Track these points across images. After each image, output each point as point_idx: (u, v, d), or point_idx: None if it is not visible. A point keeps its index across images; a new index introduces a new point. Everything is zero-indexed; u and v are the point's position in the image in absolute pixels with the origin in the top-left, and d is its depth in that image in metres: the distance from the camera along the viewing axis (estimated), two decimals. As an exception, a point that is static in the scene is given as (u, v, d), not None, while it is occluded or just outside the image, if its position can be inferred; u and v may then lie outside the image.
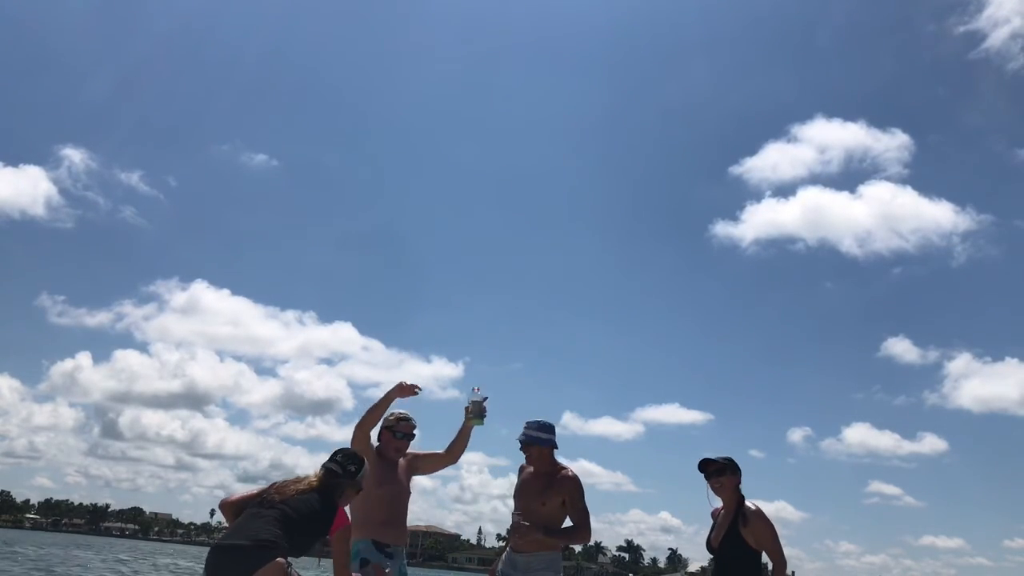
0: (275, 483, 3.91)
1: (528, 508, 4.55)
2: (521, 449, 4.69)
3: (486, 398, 4.85)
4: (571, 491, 4.57)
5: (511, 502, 4.78)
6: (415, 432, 4.79)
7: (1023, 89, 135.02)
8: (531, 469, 4.70)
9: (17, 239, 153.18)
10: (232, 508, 3.83)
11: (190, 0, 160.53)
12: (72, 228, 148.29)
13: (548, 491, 4.55)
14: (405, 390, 4.70)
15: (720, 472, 4.52)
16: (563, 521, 4.58)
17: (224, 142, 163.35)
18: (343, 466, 3.96)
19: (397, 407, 4.75)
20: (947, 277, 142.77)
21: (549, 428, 4.68)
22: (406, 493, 4.70)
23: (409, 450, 4.81)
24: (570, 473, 4.62)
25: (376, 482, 4.41)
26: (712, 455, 4.57)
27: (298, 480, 3.90)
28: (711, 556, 4.61)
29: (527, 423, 4.70)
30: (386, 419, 4.69)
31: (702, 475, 4.56)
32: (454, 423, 4.90)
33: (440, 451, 4.94)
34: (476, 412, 4.86)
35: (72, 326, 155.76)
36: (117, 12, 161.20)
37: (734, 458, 4.60)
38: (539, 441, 4.63)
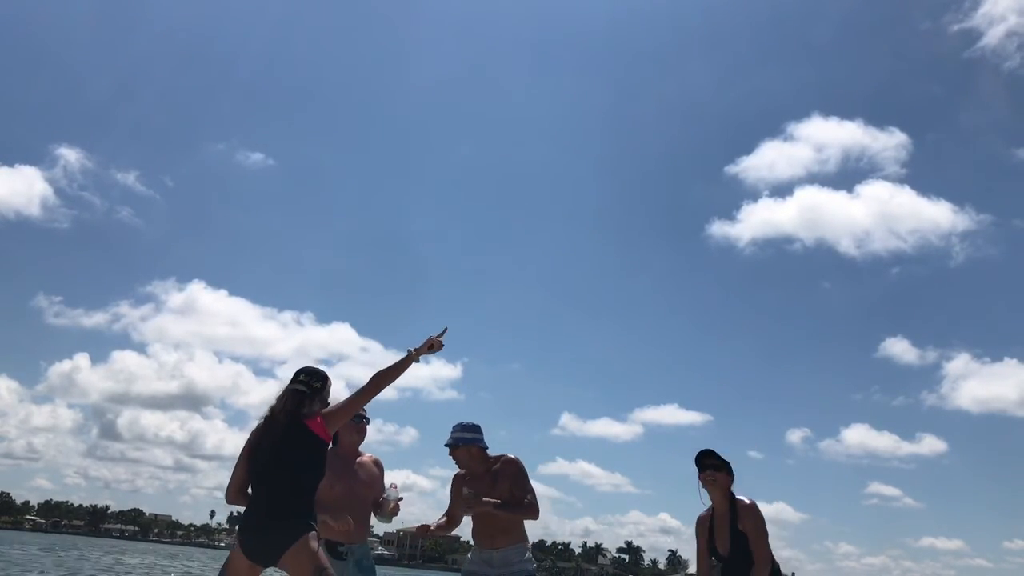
0: (251, 438, 3.91)
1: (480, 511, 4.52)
2: (450, 454, 4.65)
3: (400, 498, 4.58)
4: (514, 473, 4.54)
5: None
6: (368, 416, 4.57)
7: (1020, 88, 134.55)
8: (465, 474, 4.65)
9: (13, 239, 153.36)
10: (238, 492, 3.89)
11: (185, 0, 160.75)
12: (68, 228, 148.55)
13: (494, 485, 4.52)
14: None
15: (717, 468, 4.54)
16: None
17: (220, 141, 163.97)
18: (308, 384, 3.95)
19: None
20: (945, 277, 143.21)
21: (475, 428, 4.65)
22: (367, 487, 4.47)
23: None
24: (509, 456, 4.60)
25: (334, 478, 4.21)
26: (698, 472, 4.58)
27: (270, 422, 3.88)
28: (719, 563, 4.58)
29: (453, 427, 4.67)
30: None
31: (696, 467, 4.56)
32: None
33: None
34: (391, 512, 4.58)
35: (69, 327, 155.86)
36: (113, 11, 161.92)
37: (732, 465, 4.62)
38: (465, 441, 4.59)
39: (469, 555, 4.74)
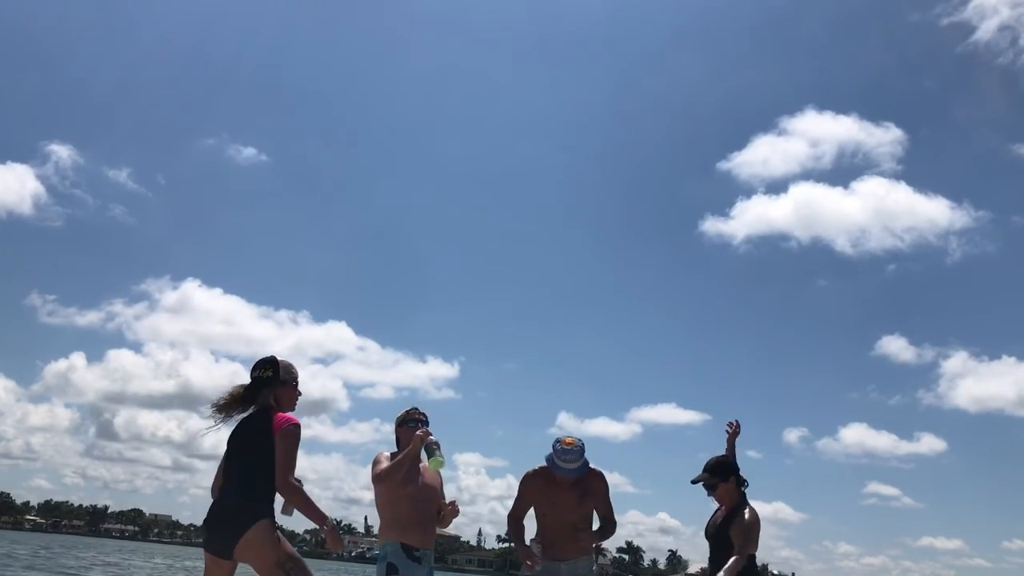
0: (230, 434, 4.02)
1: (566, 520, 4.47)
2: (564, 481, 4.46)
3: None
4: (603, 491, 4.55)
5: (509, 503, 4.64)
6: (427, 416, 4.52)
7: (1016, 84, 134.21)
8: (551, 480, 4.47)
9: (5, 238, 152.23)
10: (218, 489, 4.00)
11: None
12: (61, 227, 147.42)
13: (585, 499, 4.50)
14: (423, 438, 4.26)
15: (712, 487, 4.65)
16: (591, 519, 4.57)
17: (210, 136, 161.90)
18: (260, 376, 4.01)
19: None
20: (942, 274, 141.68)
21: (583, 448, 4.44)
22: (434, 491, 4.41)
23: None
24: (598, 470, 4.56)
25: (403, 481, 4.22)
26: (698, 472, 4.71)
27: (236, 408, 3.98)
28: (709, 544, 4.75)
29: (560, 452, 4.39)
30: (398, 418, 4.50)
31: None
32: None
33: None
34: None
35: (63, 326, 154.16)
36: (104, 6, 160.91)
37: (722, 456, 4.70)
38: (583, 471, 4.45)
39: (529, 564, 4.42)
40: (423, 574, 4.30)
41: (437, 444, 4.21)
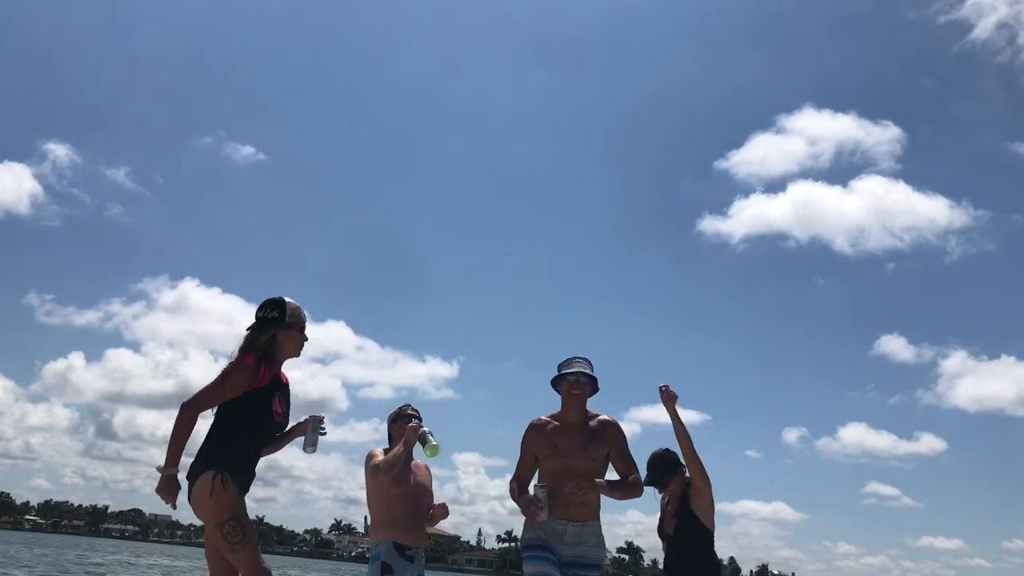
0: None
1: (572, 467, 3.93)
2: (572, 389, 4.05)
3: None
4: (617, 438, 4.05)
5: (509, 502, 4.32)
6: (419, 412, 4.47)
7: (1014, 81, 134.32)
8: (555, 424, 4.07)
9: (2, 238, 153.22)
10: None
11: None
12: (58, 226, 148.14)
13: (592, 444, 3.99)
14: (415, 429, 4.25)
15: (665, 485, 4.52)
16: (603, 474, 4.05)
17: (207, 134, 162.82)
18: (264, 316, 3.72)
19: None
20: (942, 273, 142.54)
21: (588, 361, 4.11)
22: (426, 490, 4.37)
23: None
24: (610, 418, 4.10)
25: (395, 480, 4.19)
26: (647, 467, 4.44)
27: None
28: (663, 544, 4.58)
29: (566, 360, 4.09)
30: (390, 416, 4.47)
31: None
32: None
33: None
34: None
35: (61, 325, 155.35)
36: (100, 5, 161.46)
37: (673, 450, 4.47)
38: (590, 379, 4.05)
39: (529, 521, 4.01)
40: (416, 573, 4.27)
41: (430, 432, 4.14)
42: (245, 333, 3.76)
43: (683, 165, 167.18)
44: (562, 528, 3.93)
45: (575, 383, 4.05)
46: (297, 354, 3.83)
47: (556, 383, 4.17)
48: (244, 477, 3.60)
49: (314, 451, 3.92)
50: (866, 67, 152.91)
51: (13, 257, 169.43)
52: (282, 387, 3.81)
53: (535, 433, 4.12)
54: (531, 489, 4.01)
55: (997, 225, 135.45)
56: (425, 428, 4.17)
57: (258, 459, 3.73)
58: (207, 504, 3.44)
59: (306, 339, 3.85)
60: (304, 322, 3.82)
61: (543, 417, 4.15)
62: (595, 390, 4.14)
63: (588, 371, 4.08)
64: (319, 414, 3.96)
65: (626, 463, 4.05)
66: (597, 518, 4.02)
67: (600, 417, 4.11)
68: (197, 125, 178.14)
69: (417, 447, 4.20)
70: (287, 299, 3.79)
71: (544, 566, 3.86)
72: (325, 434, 3.97)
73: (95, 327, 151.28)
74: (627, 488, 4.03)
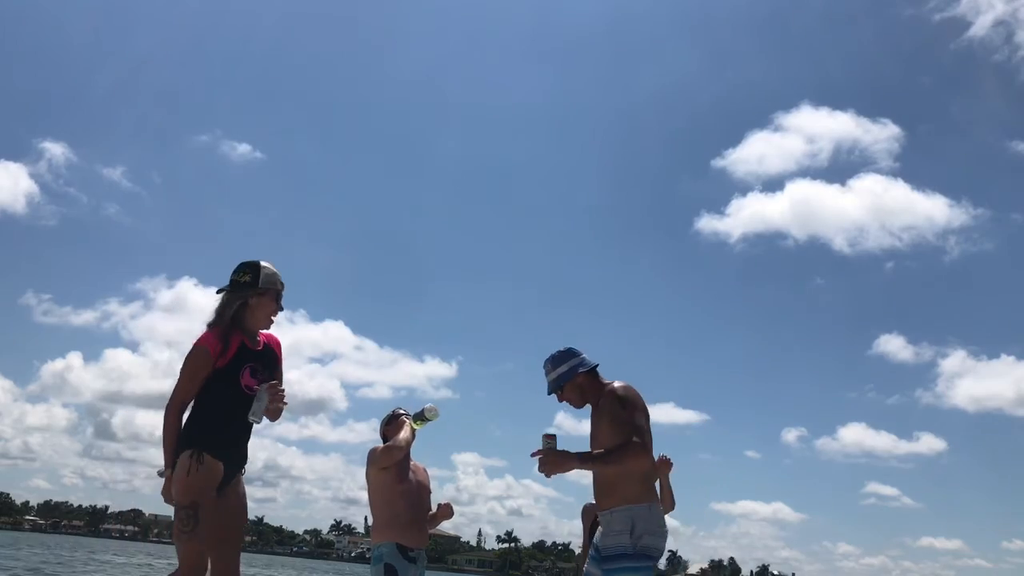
0: None
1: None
2: (559, 401, 3.81)
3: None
4: (609, 404, 3.61)
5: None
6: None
7: (1012, 80, 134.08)
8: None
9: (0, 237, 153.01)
10: None
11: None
12: (55, 225, 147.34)
13: (596, 425, 3.68)
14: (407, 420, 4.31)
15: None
16: None
17: (203, 132, 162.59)
18: (237, 280, 3.59)
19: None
20: (941, 272, 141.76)
21: (566, 355, 3.73)
22: (426, 490, 4.37)
23: None
24: (607, 386, 3.68)
25: (396, 478, 4.18)
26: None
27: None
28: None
29: (544, 364, 3.79)
30: (384, 419, 4.45)
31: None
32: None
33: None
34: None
35: (59, 325, 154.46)
36: (98, 4, 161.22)
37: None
38: (565, 379, 3.70)
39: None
40: (418, 574, 4.25)
41: (421, 411, 4.15)
42: (218, 297, 3.63)
43: (680, 164, 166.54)
44: (602, 520, 3.66)
45: (559, 398, 3.81)
46: (267, 325, 3.69)
47: None
48: (225, 453, 3.52)
49: (257, 421, 3.52)
50: (864, 65, 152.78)
51: (10, 257, 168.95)
52: (256, 355, 3.63)
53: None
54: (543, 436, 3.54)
55: (996, 224, 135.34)
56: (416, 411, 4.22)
57: (243, 433, 3.61)
58: (181, 482, 3.39)
59: (280, 308, 3.70)
60: (279, 289, 3.66)
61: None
62: (574, 384, 3.74)
63: (549, 379, 3.76)
64: (275, 383, 3.58)
65: (619, 426, 3.53)
66: (624, 503, 3.51)
67: (605, 387, 3.71)
68: (193, 123, 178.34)
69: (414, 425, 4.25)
70: (263, 263, 3.64)
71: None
72: (286, 405, 3.61)
73: (93, 327, 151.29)
74: (606, 457, 3.45)
